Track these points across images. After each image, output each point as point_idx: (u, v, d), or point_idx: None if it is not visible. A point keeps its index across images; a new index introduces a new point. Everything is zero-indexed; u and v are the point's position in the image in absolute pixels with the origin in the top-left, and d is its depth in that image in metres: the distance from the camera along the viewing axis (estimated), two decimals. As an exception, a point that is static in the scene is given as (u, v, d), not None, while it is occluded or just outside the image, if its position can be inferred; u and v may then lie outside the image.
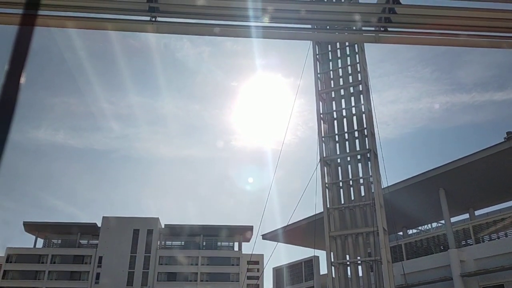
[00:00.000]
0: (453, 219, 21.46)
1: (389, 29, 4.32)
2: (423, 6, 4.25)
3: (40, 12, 4.36)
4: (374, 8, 4.35)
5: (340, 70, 13.99)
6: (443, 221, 22.34)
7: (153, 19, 4.33)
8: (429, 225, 28.39)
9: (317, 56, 14.29)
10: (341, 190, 13.12)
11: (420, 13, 4.25)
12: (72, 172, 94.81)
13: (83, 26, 4.51)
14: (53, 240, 71.14)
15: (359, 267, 12.47)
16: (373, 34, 4.50)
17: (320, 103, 13.92)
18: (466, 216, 23.36)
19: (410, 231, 27.14)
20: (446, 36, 4.43)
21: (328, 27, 5.18)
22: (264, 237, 28.60)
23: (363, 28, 4.76)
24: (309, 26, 4.95)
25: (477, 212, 23.30)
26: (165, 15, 4.36)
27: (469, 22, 4.25)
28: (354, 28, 4.87)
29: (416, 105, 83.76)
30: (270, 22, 4.44)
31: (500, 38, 4.47)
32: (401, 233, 25.21)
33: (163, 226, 71.16)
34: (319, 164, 13.31)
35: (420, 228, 28.36)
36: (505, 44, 4.64)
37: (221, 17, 4.43)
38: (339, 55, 14.11)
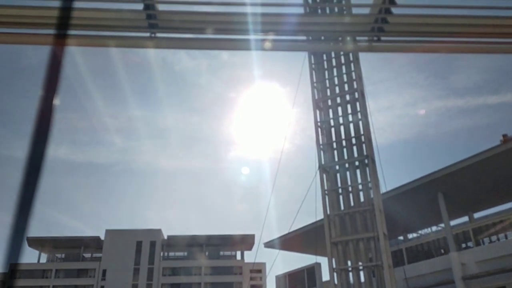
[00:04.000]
0: (452, 222, 21.58)
1: (382, 38, 4.48)
2: (415, 15, 4.40)
3: (41, 31, 4.58)
4: (367, 18, 4.49)
5: (335, 79, 14.22)
6: (442, 225, 22.44)
7: (153, 35, 4.53)
8: (429, 229, 28.45)
9: (313, 66, 14.53)
10: (341, 196, 13.25)
11: (411, 22, 4.40)
12: (74, 187, 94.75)
13: (85, 43, 4.69)
14: (56, 255, 70.88)
15: (361, 272, 12.56)
16: (367, 44, 4.67)
17: (317, 111, 14.13)
18: (466, 219, 23.47)
19: (410, 236, 27.21)
20: (437, 43, 4.59)
21: (323, 37, 5.38)
22: (266, 245, 28.65)
23: (357, 38, 4.95)
24: (304, 37, 5.15)
25: (476, 215, 23.42)
26: (164, 31, 4.55)
27: (461, 29, 4.42)
28: (348, 38, 5.06)
29: (412, 111, 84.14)
30: (267, 35, 4.64)
31: (491, 44, 4.65)
32: (401, 237, 25.29)
33: (165, 237, 70.98)
34: (318, 172, 13.47)
35: (420, 232, 28.43)
36: (497, 49, 4.82)
37: (218, 31, 4.62)
38: (334, 64, 14.35)
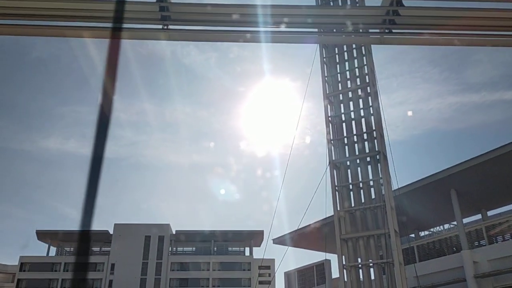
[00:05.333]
0: (465, 220, 21.32)
1: (393, 30, 4.42)
2: (426, 8, 4.34)
3: (49, 23, 4.56)
4: (378, 11, 4.44)
5: (347, 72, 14.05)
6: (455, 222, 22.18)
7: (165, 27, 4.50)
8: (441, 226, 28.16)
9: (324, 59, 14.37)
10: (351, 192, 13.13)
11: (423, 14, 4.34)
12: (82, 180, 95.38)
13: (99, 35, 4.68)
14: (65, 248, 71.76)
15: (371, 269, 12.44)
16: (378, 36, 4.60)
17: (328, 106, 13.98)
18: (479, 216, 23.17)
19: (422, 233, 26.97)
20: (449, 36, 4.51)
21: (334, 30, 5.30)
22: (275, 241, 28.61)
23: (369, 30, 4.85)
24: (316, 30, 5.05)
25: (489, 213, 23.10)
26: (176, 23, 4.51)
27: (472, 22, 4.33)
28: (361, 30, 4.96)
29: (426, 106, 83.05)
30: (278, 27, 4.56)
31: (504, 37, 4.53)
32: (413, 235, 25.07)
33: (174, 232, 71.40)
34: (329, 167, 13.34)
35: (432, 229, 28.17)
36: (509, 43, 4.69)
37: (230, 23, 4.56)
38: (346, 57, 14.17)
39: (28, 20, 4.47)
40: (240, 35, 4.73)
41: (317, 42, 11.10)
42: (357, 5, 10.50)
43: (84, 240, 1.62)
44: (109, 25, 4.37)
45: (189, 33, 4.79)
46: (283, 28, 4.59)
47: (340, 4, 13.17)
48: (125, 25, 4.45)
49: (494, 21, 4.31)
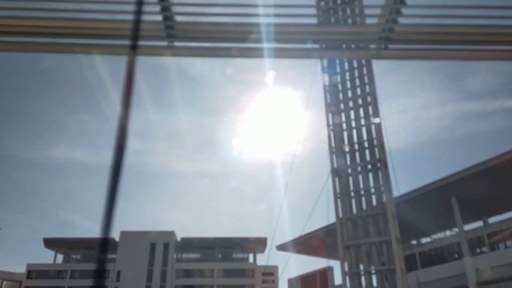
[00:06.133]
0: (466, 227, 21.37)
1: (389, 46, 4.67)
2: (421, 25, 4.58)
3: (65, 41, 4.86)
4: (374, 28, 4.70)
5: (348, 82, 14.32)
6: (456, 229, 22.23)
7: (171, 44, 4.78)
8: (443, 233, 28.16)
9: (325, 70, 14.65)
10: (353, 200, 13.31)
11: (418, 31, 4.58)
12: (89, 188, 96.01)
13: (106, 52, 4.97)
14: (72, 256, 71.94)
15: (373, 276, 12.57)
16: (375, 52, 4.85)
17: (330, 115, 14.22)
18: (480, 223, 23.20)
19: (424, 240, 26.98)
20: (445, 51, 4.74)
21: (335, 46, 5.57)
22: (278, 248, 28.73)
23: (369, 46, 5.11)
24: (317, 45, 5.34)
25: (490, 220, 23.12)
26: (182, 40, 4.78)
27: (468, 37, 4.56)
28: (361, 46, 5.23)
29: (426, 114, 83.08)
30: (281, 43, 4.84)
31: (498, 51, 4.76)
32: (415, 242, 25.11)
33: (179, 239, 71.46)
34: (330, 175, 13.56)
35: (433, 236, 28.17)
36: (502, 56, 4.93)
37: (235, 40, 4.83)
38: (346, 68, 14.45)
39: (37, 37, 4.76)
40: (244, 52, 4.97)
41: (318, 57, 11.37)
42: (358, 18, 10.78)
43: (103, 247, 1.81)
44: (116, 42, 4.65)
45: (194, 50, 5.05)
46: (286, 44, 4.87)
47: (341, 19, 13.44)
48: (131, 43, 4.74)
49: (490, 36, 4.53)
